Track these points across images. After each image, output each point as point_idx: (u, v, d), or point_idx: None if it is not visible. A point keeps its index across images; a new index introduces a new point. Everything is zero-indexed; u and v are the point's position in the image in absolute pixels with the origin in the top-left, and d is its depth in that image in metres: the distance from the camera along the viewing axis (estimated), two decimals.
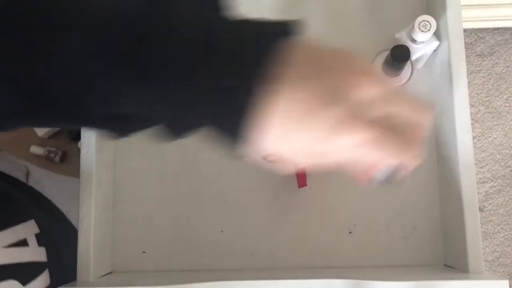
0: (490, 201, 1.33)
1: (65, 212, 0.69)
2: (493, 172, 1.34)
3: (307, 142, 0.32)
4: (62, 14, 0.30)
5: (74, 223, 0.68)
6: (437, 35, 0.62)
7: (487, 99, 1.36)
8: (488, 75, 1.36)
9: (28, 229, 0.52)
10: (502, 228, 1.32)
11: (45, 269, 0.53)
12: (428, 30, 0.58)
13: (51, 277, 0.54)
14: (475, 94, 1.36)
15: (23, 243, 0.50)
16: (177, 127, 0.35)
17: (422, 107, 0.35)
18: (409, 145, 0.34)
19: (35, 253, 0.52)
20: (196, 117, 0.34)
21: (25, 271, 0.49)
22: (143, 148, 0.67)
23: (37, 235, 0.54)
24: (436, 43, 0.62)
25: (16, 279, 0.46)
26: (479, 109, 1.36)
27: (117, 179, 0.66)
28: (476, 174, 0.58)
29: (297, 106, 0.31)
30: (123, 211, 0.66)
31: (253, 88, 0.31)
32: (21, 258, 0.49)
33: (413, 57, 0.62)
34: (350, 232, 0.64)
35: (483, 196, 1.33)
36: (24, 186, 0.64)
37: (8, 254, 0.46)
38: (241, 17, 0.34)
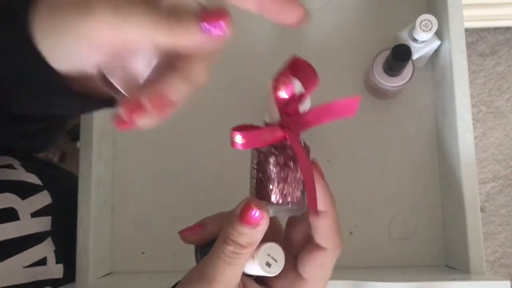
0: (491, 202, 1.33)
1: None
2: (495, 173, 1.33)
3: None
4: None
5: None
6: (438, 34, 0.61)
7: (489, 99, 1.35)
8: (490, 74, 1.36)
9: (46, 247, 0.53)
10: (503, 229, 1.32)
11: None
12: (430, 30, 0.58)
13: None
14: (476, 94, 1.35)
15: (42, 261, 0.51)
16: None
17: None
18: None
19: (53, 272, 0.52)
20: None
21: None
22: (143, 149, 0.67)
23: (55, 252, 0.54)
24: (438, 42, 0.61)
25: None
26: (481, 109, 1.35)
27: (116, 179, 0.66)
28: (478, 175, 0.58)
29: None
30: (122, 212, 0.65)
31: None
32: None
33: (414, 56, 0.62)
34: (351, 233, 0.64)
35: (484, 196, 1.33)
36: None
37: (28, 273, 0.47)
38: None
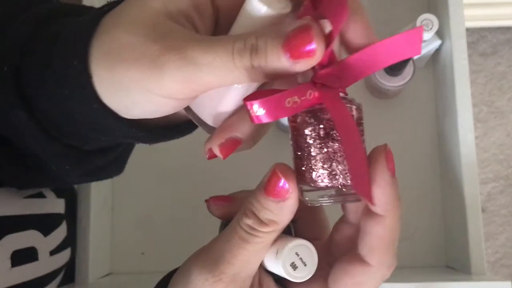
0: (492, 202, 1.32)
1: None
2: (496, 173, 1.33)
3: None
4: None
5: None
6: (439, 34, 0.61)
7: (490, 98, 1.35)
8: (491, 74, 1.36)
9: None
10: (504, 229, 1.31)
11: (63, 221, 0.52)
12: (430, 29, 0.58)
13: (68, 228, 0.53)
14: (477, 93, 1.35)
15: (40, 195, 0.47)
16: None
17: None
18: None
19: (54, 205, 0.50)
20: None
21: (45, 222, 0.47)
22: (142, 149, 0.66)
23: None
24: (438, 42, 0.61)
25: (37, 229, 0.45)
26: (481, 109, 1.35)
27: (116, 179, 0.66)
28: (478, 175, 0.58)
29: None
30: (122, 212, 0.65)
31: None
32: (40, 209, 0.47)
33: (415, 56, 0.62)
34: None
35: (485, 196, 1.32)
36: None
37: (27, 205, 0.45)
38: None
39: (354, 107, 0.27)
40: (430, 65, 0.66)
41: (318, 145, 0.26)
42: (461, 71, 0.58)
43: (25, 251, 0.42)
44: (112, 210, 0.65)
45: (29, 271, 0.42)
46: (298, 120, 0.26)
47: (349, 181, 0.26)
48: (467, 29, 0.59)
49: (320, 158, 0.26)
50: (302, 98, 0.25)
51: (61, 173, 0.35)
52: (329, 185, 0.26)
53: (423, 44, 0.61)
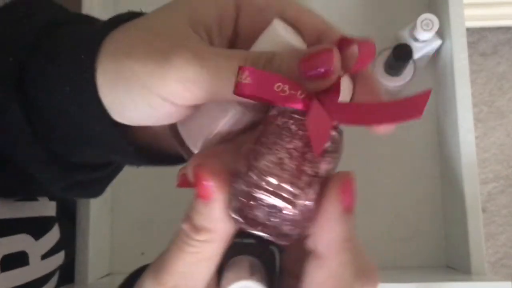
0: (492, 202, 1.32)
1: None
2: (496, 173, 1.33)
3: None
4: None
5: None
6: (439, 34, 0.61)
7: (490, 98, 1.35)
8: (491, 74, 1.35)
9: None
10: (504, 229, 1.31)
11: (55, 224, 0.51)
12: (431, 29, 0.58)
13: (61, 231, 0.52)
14: (477, 93, 1.35)
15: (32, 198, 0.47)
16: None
17: None
18: None
19: (45, 208, 0.49)
20: None
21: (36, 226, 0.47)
22: None
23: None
24: (439, 42, 0.61)
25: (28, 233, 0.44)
26: (482, 109, 1.35)
27: (116, 179, 0.66)
28: (479, 175, 0.58)
29: None
30: (122, 212, 0.65)
31: None
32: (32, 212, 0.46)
33: (415, 56, 0.61)
34: None
35: (485, 196, 1.32)
36: None
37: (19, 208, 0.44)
38: None
39: (334, 133, 0.25)
40: (430, 65, 0.66)
41: (282, 137, 0.23)
42: (461, 71, 0.58)
43: (15, 256, 0.41)
44: (111, 210, 0.65)
45: (19, 276, 0.42)
46: (274, 111, 0.24)
47: (298, 200, 0.22)
48: (467, 29, 0.59)
49: (276, 149, 0.22)
50: (292, 92, 0.23)
51: (44, 182, 0.35)
52: (272, 181, 0.22)
53: (422, 44, 0.61)
